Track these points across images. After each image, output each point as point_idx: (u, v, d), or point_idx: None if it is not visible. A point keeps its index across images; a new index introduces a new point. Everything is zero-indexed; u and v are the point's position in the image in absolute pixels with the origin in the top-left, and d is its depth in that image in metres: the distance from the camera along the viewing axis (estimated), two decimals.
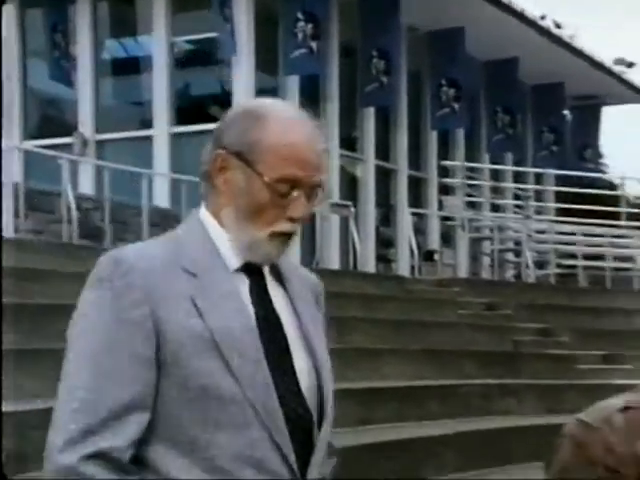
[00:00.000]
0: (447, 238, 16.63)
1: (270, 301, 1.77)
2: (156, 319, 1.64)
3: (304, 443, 1.71)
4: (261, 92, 15.13)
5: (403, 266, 15.35)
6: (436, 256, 15.28)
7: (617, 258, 15.73)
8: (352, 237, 12.97)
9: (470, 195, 15.87)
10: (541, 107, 19.61)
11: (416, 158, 17.67)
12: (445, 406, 7.91)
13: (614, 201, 17.21)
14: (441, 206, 16.03)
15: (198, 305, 1.66)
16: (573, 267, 15.44)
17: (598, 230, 15.68)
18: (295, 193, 1.72)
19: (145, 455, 1.65)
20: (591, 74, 19.71)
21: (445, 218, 15.76)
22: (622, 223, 16.41)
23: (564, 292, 13.43)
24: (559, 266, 15.39)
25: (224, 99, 15.16)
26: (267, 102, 1.80)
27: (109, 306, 1.65)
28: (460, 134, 18.52)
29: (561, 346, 10.72)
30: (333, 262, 14.11)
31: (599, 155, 23.70)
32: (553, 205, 18.81)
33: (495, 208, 17.19)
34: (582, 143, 20.68)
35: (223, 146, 1.76)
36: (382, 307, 9.49)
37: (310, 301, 1.85)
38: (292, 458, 1.68)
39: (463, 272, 14.52)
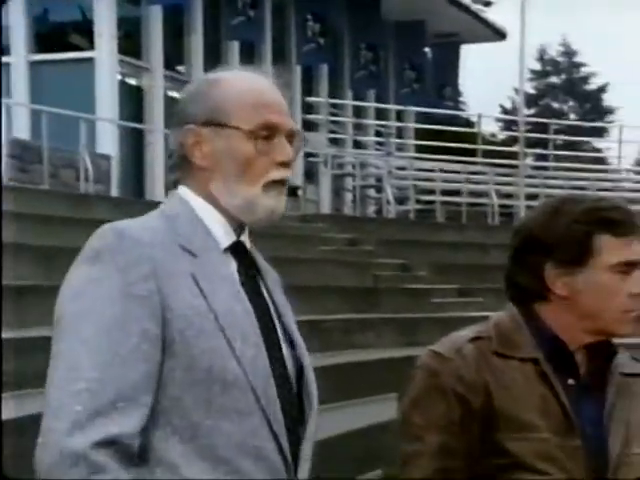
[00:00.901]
0: (310, 174, 16.80)
1: (258, 285, 1.71)
2: (162, 295, 1.56)
3: (293, 433, 1.66)
4: (123, 21, 14.80)
5: None
6: (299, 192, 15.44)
7: (473, 194, 16.25)
8: None
9: (333, 131, 16.06)
10: (403, 44, 19.87)
11: None
12: (307, 341, 8.04)
13: (471, 138, 17.72)
14: (304, 142, 16.14)
15: (201, 285, 1.59)
16: (431, 203, 15.90)
17: (455, 167, 16.15)
18: (276, 139, 1.68)
19: (144, 441, 1.54)
20: (451, 12, 20.06)
21: (308, 154, 15.92)
22: (478, 160, 16.93)
23: (423, 227, 13.84)
24: (418, 202, 15.81)
25: (85, 27, 14.77)
26: (220, 72, 1.77)
27: (114, 281, 1.55)
28: (324, 70, 18.60)
29: (419, 280, 11.10)
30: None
31: (458, 93, 24.25)
32: (413, 142, 19.21)
33: (357, 145, 17.45)
34: (442, 81, 21.11)
35: (189, 122, 1.70)
36: None
37: (279, 289, 1.79)
38: (287, 448, 1.63)
39: (326, 208, 14.75)
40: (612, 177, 18.34)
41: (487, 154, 17.45)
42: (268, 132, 1.68)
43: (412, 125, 19.54)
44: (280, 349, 1.69)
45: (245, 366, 1.59)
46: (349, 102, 18.41)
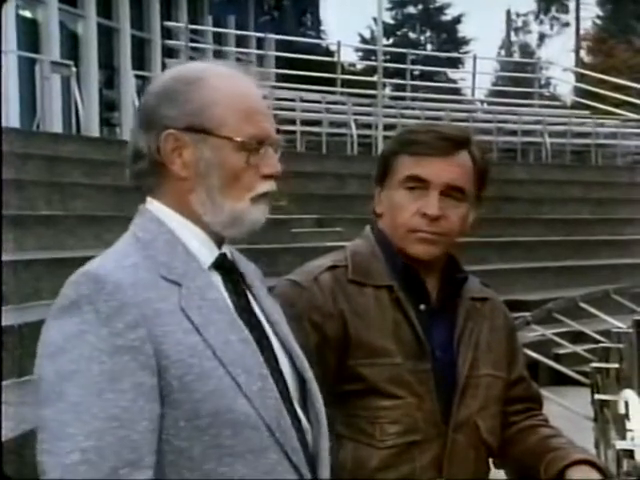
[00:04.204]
0: None
1: (247, 301, 1.61)
2: (154, 341, 1.42)
3: (307, 457, 1.56)
4: None
5: (127, 130, 15.18)
6: None
7: (333, 124, 16.37)
8: (74, 99, 12.63)
9: (193, 58, 15.83)
10: None
11: (139, 17, 17.27)
12: None
13: (331, 68, 17.78)
14: (165, 69, 15.89)
15: (192, 319, 1.47)
16: (292, 133, 15.94)
17: (315, 96, 16.21)
18: (262, 149, 1.58)
19: None
20: None
21: None
22: (338, 90, 17.03)
23: (282, 157, 13.85)
24: (278, 132, 15.70)
25: None
26: (193, 65, 1.62)
27: (98, 333, 1.40)
28: None
29: (278, 210, 11.06)
30: (55, 125, 13.70)
31: (318, 22, 24.23)
32: (273, 71, 19.14)
33: None
34: (302, 8, 21.05)
35: (164, 125, 1.54)
36: (105, 172, 9.42)
37: (266, 292, 1.69)
38: (308, 476, 1.55)
39: None
40: (466, 107, 18.75)
41: (346, 84, 17.55)
42: (259, 144, 1.57)
43: (272, 53, 19.45)
44: (280, 371, 1.58)
45: (254, 401, 1.48)
46: (209, 28, 18.15)
